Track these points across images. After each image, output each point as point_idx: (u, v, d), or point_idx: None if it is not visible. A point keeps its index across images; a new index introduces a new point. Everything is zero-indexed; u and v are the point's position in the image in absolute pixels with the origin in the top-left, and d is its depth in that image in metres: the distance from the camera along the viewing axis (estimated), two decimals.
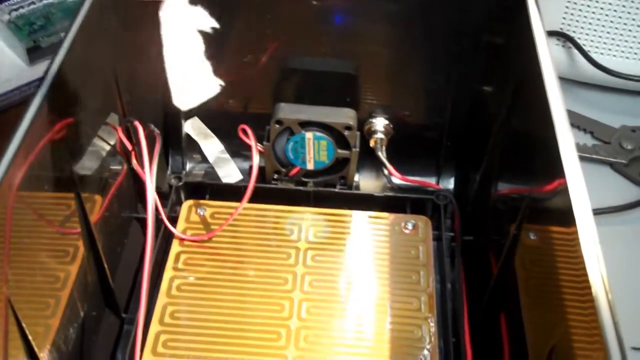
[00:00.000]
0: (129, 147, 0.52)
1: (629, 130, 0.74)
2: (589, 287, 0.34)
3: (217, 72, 0.59)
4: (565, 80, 0.79)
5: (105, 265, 0.50)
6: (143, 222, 0.54)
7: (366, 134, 0.61)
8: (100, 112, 0.52)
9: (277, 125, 0.56)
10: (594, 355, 0.33)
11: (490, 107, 0.57)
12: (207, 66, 0.53)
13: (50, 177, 0.45)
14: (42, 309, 0.46)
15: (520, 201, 0.48)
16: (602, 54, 0.75)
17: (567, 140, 0.41)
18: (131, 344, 0.47)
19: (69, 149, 0.46)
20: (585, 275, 0.34)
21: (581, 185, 0.38)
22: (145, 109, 0.55)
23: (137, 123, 0.50)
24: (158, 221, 0.58)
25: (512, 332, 0.49)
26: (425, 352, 0.51)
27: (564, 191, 0.38)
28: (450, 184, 0.65)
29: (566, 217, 0.37)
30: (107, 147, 0.53)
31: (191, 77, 0.53)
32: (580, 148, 0.71)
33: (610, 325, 0.32)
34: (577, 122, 0.75)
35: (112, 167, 0.55)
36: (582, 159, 0.70)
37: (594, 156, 0.71)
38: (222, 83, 0.53)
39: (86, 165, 0.50)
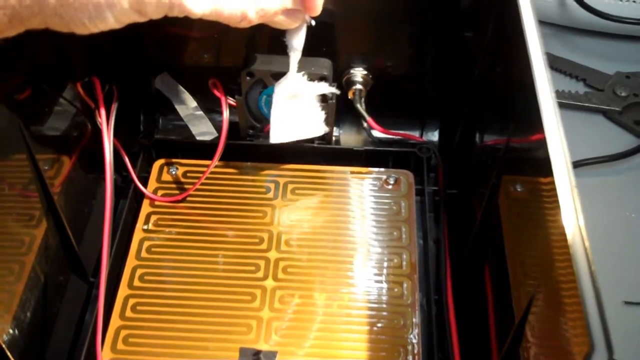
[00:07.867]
0: (92, 105, 0.50)
1: (623, 77, 0.70)
2: (566, 238, 0.31)
3: (190, 26, 0.56)
4: (557, 27, 0.75)
5: (67, 228, 0.47)
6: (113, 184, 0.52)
7: (344, 86, 0.59)
8: (55, 70, 0.49)
9: (248, 78, 0.53)
10: (569, 309, 0.31)
11: (472, 54, 0.54)
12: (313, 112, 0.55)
13: (3, 140, 0.43)
14: (5, 275, 0.45)
15: (501, 152, 0.45)
16: None
17: (544, 86, 0.38)
18: (97, 309, 0.45)
19: (20, 109, 0.44)
20: (562, 227, 0.32)
21: (559, 132, 0.36)
22: (105, 65, 0.52)
23: (94, 79, 0.47)
24: (128, 182, 0.56)
25: (496, 286, 0.47)
26: (406, 309, 0.49)
27: (541, 141, 0.36)
28: (434, 136, 0.63)
29: (544, 167, 0.35)
30: (68, 107, 0.51)
31: (294, 116, 0.54)
32: (572, 96, 0.69)
33: (586, 274, 0.30)
34: (569, 69, 0.71)
35: (77, 127, 0.53)
36: (574, 107, 0.69)
37: (587, 104, 0.68)
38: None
39: (44, 126, 0.47)
